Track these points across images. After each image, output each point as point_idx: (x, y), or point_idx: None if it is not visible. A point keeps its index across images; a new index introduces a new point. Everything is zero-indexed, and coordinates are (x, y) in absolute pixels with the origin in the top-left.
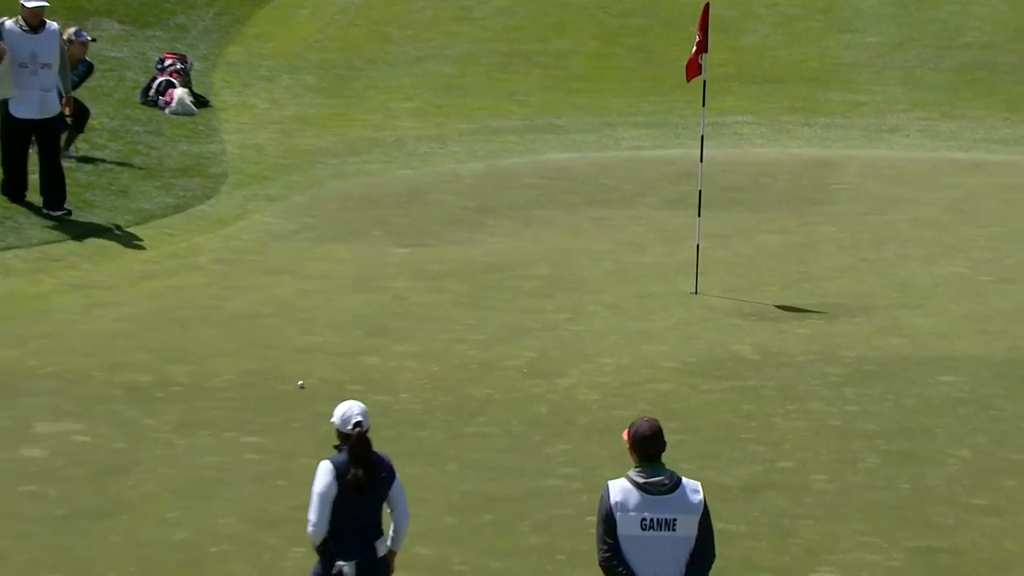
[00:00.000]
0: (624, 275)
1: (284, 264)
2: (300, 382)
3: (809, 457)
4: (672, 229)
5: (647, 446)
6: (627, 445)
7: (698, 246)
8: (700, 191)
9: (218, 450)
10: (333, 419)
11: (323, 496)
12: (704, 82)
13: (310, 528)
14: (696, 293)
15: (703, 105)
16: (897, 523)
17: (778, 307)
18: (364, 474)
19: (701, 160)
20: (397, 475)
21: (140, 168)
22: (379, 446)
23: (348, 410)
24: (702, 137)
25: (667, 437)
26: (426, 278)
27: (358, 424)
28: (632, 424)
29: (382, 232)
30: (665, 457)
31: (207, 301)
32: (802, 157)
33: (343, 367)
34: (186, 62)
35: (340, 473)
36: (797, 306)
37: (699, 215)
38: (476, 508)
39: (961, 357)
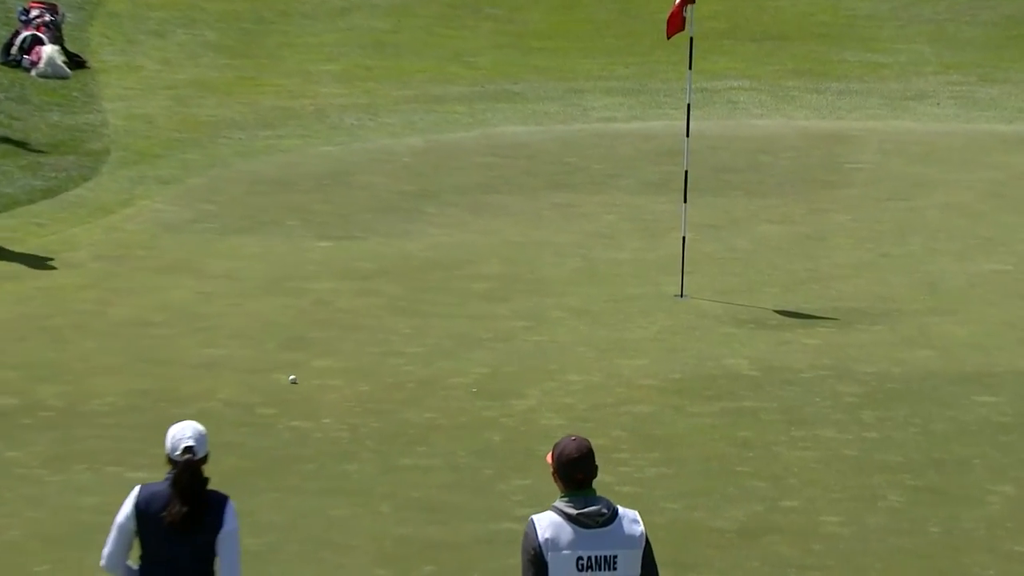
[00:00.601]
0: (594, 274)
1: (180, 261)
2: (292, 376)
3: (819, 495)
4: (653, 218)
5: (575, 469)
6: (551, 470)
7: (684, 239)
8: (686, 172)
9: (98, 488)
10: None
11: (120, 528)
12: (691, 39)
13: (102, 561)
14: (682, 296)
15: (689, 68)
16: (926, 575)
17: (781, 313)
18: (182, 512)
19: (687, 134)
20: (234, 524)
21: (1, 143)
22: (298, 481)
23: (179, 433)
24: (688, 106)
25: (647, 469)
26: (354, 278)
27: (188, 450)
28: (557, 445)
29: (300, 222)
30: (643, 494)
31: (85, 307)
32: (810, 131)
33: (253, 386)
34: (57, 13)
35: (148, 504)
36: (804, 311)
37: (685, 201)
38: (414, 557)
39: (1002, 373)
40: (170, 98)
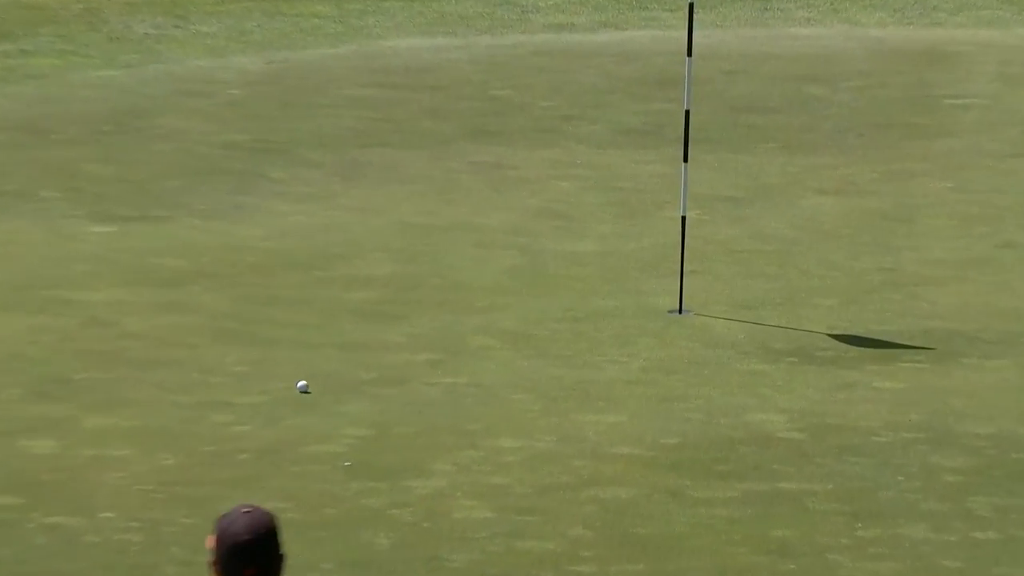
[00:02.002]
0: (541, 277)
1: None
2: (301, 383)
3: None
4: (633, 187)
5: (242, 561)
6: (209, 558)
7: (684, 220)
8: (687, 114)
9: None
10: None
11: None
12: None
13: None
14: (680, 312)
15: None
16: None
17: (840, 338)
18: None
19: (689, 52)
20: None
21: None
22: None
23: None
24: (691, 6)
25: None
26: (152, 284)
27: None
28: (222, 519)
29: (62, 193)
30: None
31: None
32: (888, 45)
33: None
34: None
35: None
36: (878, 336)
37: (686, 160)
38: None
39: None
40: None
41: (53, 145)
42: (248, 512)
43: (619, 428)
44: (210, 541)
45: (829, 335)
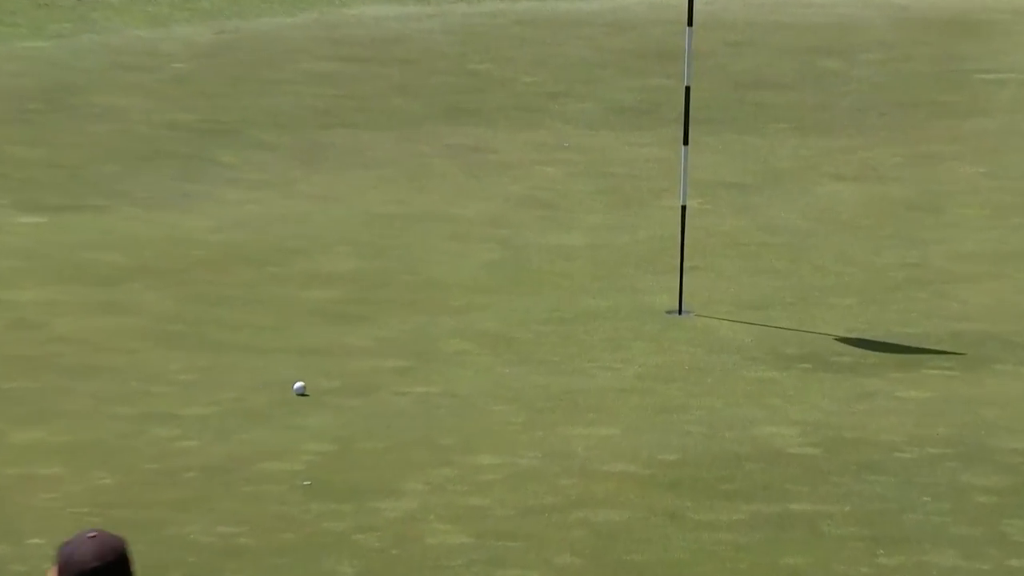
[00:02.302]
0: (524, 273)
1: None
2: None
3: None
4: (627, 172)
5: None
6: None
7: (684, 211)
8: (688, 90)
9: None
10: None
11: None
12: None
13: None
14: (680, 313)
15: None
16: None
17: (858, 343)
18: None
19: (690, 23)
20: None
21: None
22: None
23: None
24: None
25: None
26: (86, 280)
27: None
28: (65, 547)
29: None
30: None
31: None
32: (912, 13)
33: None
34: None
35: None
36: (901, 340)
37: (686, 143)
38: None
39: None
40: None
41: None
42: (94, 537)
43: (611, 443)
44: (52, 573)
45: (846, 339)
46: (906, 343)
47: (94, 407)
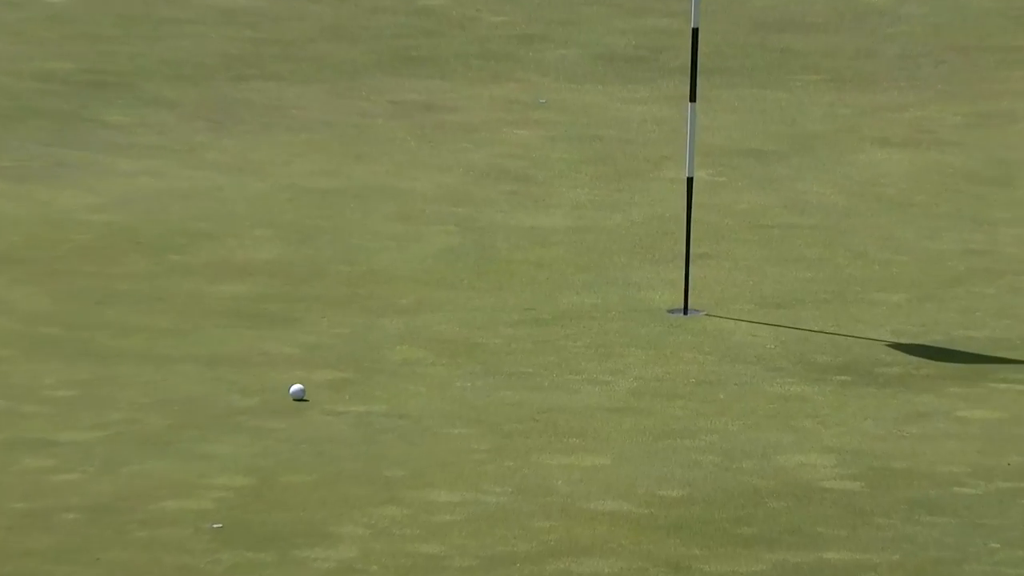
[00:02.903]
0: (490, 263)
1: None
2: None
3: None
4: (619, 136)
5: None
6: None
7: (691, 183)
8: (695, 32)
9: None
10: None
11: None
12: None
13: None
14: (686, 312)
15: None
16: None
17: (906, 349)
18: None
19: None
20: None
21: None
22: None
23: None
24: None
25: None
26: None
27: None
28: None
29: None
30: None
31: None
32: None
33: None
34: None
35: None
36: (960, 347)
37: (693, 99)
38: None
39: None
40: None
41: None
42: None
43: (600, 475)
44: None
45: (895, 344)
46: (969, 350)
47: None
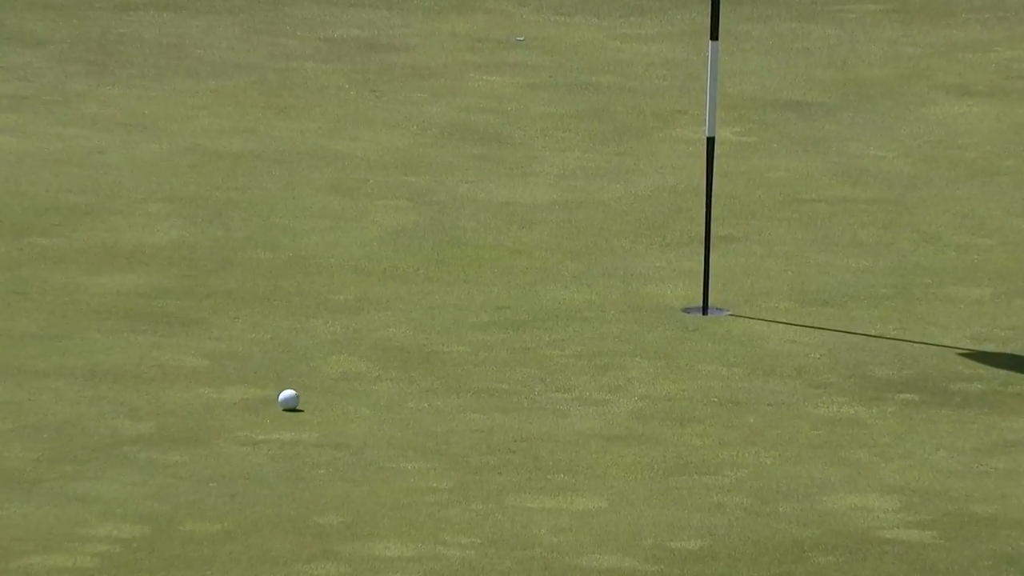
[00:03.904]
0: (452, 248)
1: None
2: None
3: None
4: (618, 84)
5: None
6: None
7: (711, 144)
8: None
9: None
10: None
11: None
12: None
13: None
14: (705, 312)
15: None
16: None
17: (991, 361)
18: None
19: None
20: None
21: None
22: None
23: None
24: None
25: None
26: None
27: None
28: None
29: None
30: None
31: None
32: None
33: None
34: None
35: None
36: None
37: (715, 36)
38: None
39: None
40: None
41: None
42: None
43: (595, 522)
44: None
45: (974, 354)
46: None
47: None
